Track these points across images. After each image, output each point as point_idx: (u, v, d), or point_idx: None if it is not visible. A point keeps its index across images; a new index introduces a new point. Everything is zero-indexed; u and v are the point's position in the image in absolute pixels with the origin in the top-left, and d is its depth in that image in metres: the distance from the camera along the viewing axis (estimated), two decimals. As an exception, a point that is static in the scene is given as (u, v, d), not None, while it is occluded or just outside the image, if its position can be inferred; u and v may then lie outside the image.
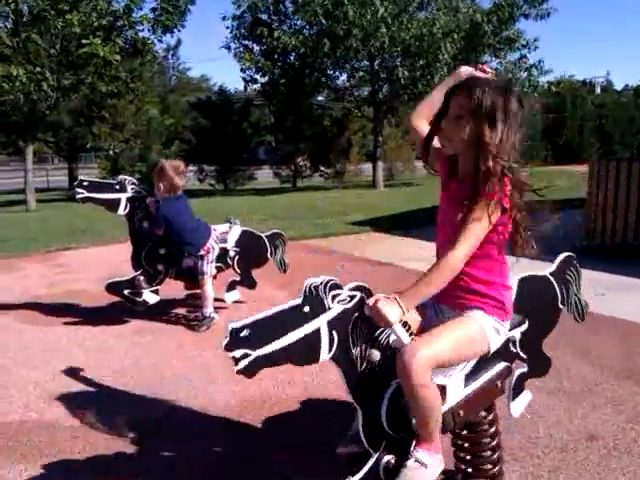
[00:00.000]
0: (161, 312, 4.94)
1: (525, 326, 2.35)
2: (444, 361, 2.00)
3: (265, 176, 27.41)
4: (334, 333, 1.91)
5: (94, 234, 9.01)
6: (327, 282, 1.91)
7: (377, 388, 2.04)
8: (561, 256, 2.62)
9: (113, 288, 4.70)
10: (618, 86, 41.50)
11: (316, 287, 1.90)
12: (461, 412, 2.13)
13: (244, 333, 1.79)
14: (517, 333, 2.33)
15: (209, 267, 4.66)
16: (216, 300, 5.08)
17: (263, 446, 2.85)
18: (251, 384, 3.54)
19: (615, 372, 3.59)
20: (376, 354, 1.99)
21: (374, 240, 8.43)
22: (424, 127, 2.22)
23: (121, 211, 4.68)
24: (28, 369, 3.87)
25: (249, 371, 1.79)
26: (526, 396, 2.49)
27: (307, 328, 1.86)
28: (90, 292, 5.70)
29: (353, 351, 1.96)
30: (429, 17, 17.80)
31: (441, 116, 2.07)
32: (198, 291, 4.89)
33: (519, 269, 2.34)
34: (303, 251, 7.34)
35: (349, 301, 1.94)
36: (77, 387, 3.56)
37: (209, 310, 4.65)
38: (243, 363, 1.78)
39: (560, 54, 74.84)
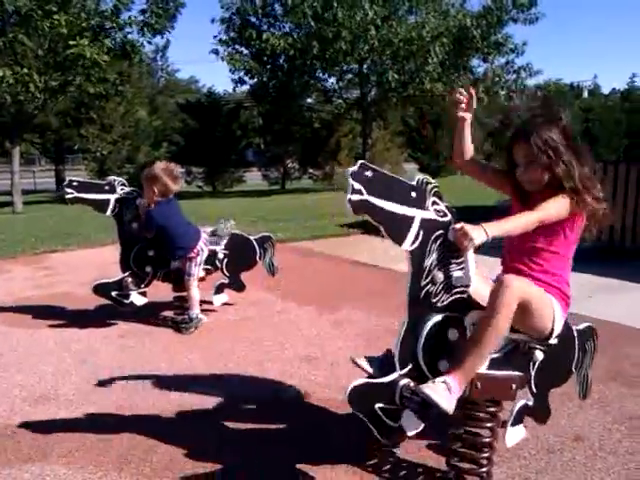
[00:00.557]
0: (149, 314, 4.91)
1: (554, 341, 2.39)
2: (528, 304, 2.17)
3: (254, 178, 27.38)
4: (421, 231, 2.08)
5: (81, 236, 8.95)
6: (434, 186, 2.12)
7: (427, 311, 2.16)
8: (585, 324, 2.69)
9: (100, 290, 4.67)
10: (605, 90, 41.89)
11: (427, 183, 2.11)
12: (479, 384, 2.23)
13: (368, 173, 1.98)
14: (539, 354, 2.40)
15: (196, 269, 4.61)
16: (204, 303, 5.07)
17: (253, 445, 2.84)
18: (239, 386, 3.53)
19: (601, 374, 3.60)
20: (440, 277, 2.14)
21: (362, 242, 8.43)
22: (468, 163, 2.58)
23: (109, 212, 4.67)
24: (13, 372, 3.83)
25: (355, 206, 1.96)
26: (522, 431, 2.53)
27: (407, 210, 2.06)
28: (77, 294, 5.66)
29: (426, 260, 2.10)
30: (418, 20, 17.88)
31: (511, 167, 2.38)
32: (186, 293, 4.87)
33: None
34: (292, 253, 7.33)
35: (442, 215, 2.13)
36: (63, 390, 3.53)
37: (196, 312, 4.61)
38: (356, 196, 1.95)
39: (548, 58, 75.43)
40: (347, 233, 9.14)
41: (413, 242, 2.07)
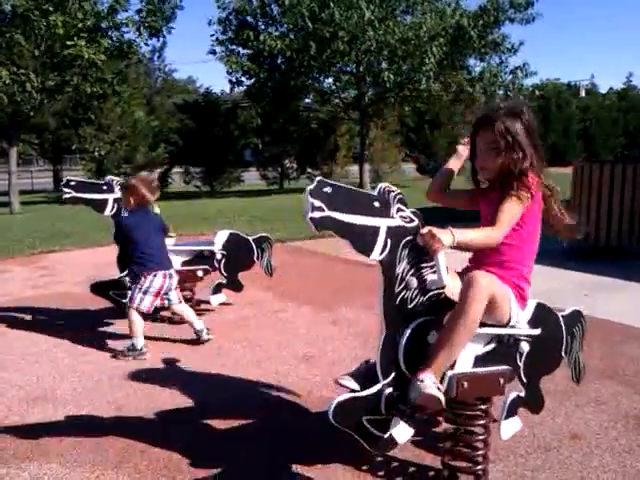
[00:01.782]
0: (146, 314, 4.90)
1: (536, 331, 2.41)
2: (496, 298, 2.21)
3: (252, 178, 27.36)
4: (389, 240, 2.06)
5: (78, 236, 8.96)
6: (397, 194, 2.10)
7: (404, 318, 2.15)
8: (571, 309, 2.70)
9: (98, 289, 4.68)
10: (602, 89, 41.94)
11: (389, 192, 2.09)
12: (465, 384, 2.23)
13: (327, 189, 1.95)
14: (525, 345, 2.41)
15: (138, 296, 4.10)
16: (202, 302, 5.08)
17: (251, 445, 2.85)
18: (237, 386, 3.54)
19: (598, 372, 3.62)
20: (414, 282, 2.13)
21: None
22: (444, 196, 2.66)
23: (108, 212, 4.68)
24: (11, 372, 3.83)
25: (317, 224, 1.93)
26: (517, 423, 2.53)
27: (371, 221, 2.03)
28: (74, 294, 5.66)
29: (397, 268, 2.09)
30: (415, 21, 17.89)
31: (474, 154, 2.44)
32: (184, 293, 4.87)
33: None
34: (290, 253, 7.34)
35: (409, 221, 2.11)
36: (60, 390, 3.53)
37: (138, 341, 4.10)
38: (317, 214, 1.91)
39: (545, 58, 75.61)
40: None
41: (382, 251, 2.05)
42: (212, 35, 19.57)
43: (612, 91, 40.55)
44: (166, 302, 4.29)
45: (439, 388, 2.13)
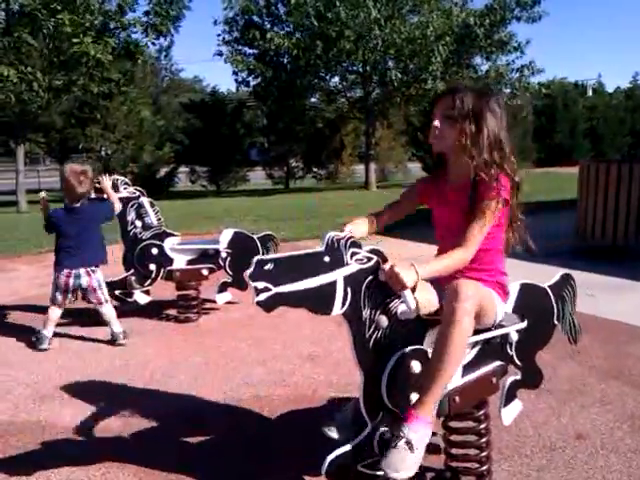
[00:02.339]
0: (152, 313, 4.94)
1: (522, 325, 2.38)
2: (483, 305, 2.11)
3: (258, 177, 27.39)
4: (349, 289, 1.97)
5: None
6: (348, 238, 1.99)
7: (381, 355, 2.07)
8: (559, 274, 2.66)
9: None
10: (610, 88, 41.74)
11: (338, 240, 1.97)
12: (457, 398, 2.18)
13: (268, 266, 1.85)
14: (514, 334, 2.37)
15: (52, 292, 4.24)
16: (208, 301, 5.10)
17: (256, 444, 2.86)
18: (242, 385, 3.55)
19: (603, 372, 3.61)
20: (384, 320, 2.05)
21: (367, 241, 8.42)
22: (390, 218, 2.47)
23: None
24: (18, 370, 3.85)
25: (267, 305, 1.86)
26: (517, 405, 2.52)
27: (325, 278, 1.93)
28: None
29: (363, 312, 2.01)
30: (422, 20, 17.87)
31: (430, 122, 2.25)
32: (190, 292, 4.90)
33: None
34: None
35: (366, 262, 2.00)
36: (67, 388, 3.55)
37: (45, 331, 4.22)
38: (263, 296, 1.83)
39: (552, 56, 75.19)
40: (350, 232, 9.12)
41: (343, 304, 1.96)
42: (219, 35, 19.63)
43: (619, 90, 40.37)
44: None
45: (428, 432, 2.02)
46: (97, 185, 4.51)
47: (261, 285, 1.82)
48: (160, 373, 3.77)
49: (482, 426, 2.37)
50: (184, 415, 3.20)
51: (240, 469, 2.66)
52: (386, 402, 2.08)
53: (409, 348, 2.10)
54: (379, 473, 2.12)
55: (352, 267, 1.97)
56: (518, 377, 2.48)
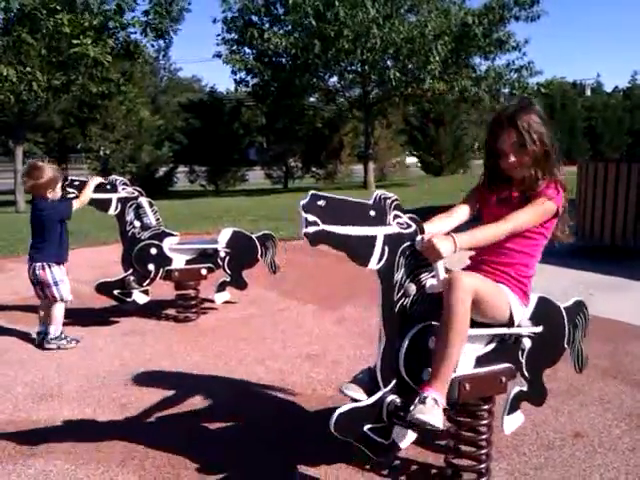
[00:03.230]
0: (151, 313, 4.94)
1: (537, 329, 2.41)
2: (482, 296, 2.17)
3: (256, 177, 27.39)
4: (386, 248, 2.03)
5: (81, 235, 8.96)
6: (394, 200, 2.06)
7: (404, 324, 2.13)
8: (573, 299, 2.69)
9: (103, 288, 4.70)
10: (608, 88, 41.77)
11: (385, 199, 2.05)
12: (467, 386, 2.22)
13: (320, 202, 1.92)
14: (527, 341, 2.40)
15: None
16: (206, 301, 5.10)
17: (255, 443, 2.86)
18: (240, 384, 3.55)
19: (602, 371, 3.62)
20: (413, 288, 2.11)
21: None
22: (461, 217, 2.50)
23: (112, 211, 4.69)
24: (16, 369, 3.85)
25: (313, 239, 1.92)
26: (519, 417, 2.54)
27: (367, 230, 2.00)
28: (79, 293, 5.66)
29: (395, 275, 2.07)
30: (420, 19, 17.87)
31: (493, 156, 2.40)
32: (188, 292, 4.90)
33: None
34: (294, 252, 7.35)
35: (406, 227, 2.08)
36: (66, 388, 3.55)
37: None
38: (312, 229, 1.90)
39: (551, 56, 75.36)
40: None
41: (379, 261, 2.03)
42: (218, 35, 19.62)
43: (617, 90, 40.41)
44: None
45: (442, 406, 2.09)
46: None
47: (311, 218, 1.89)
48: (159, 372, 3.77)
49: (485, 422, 2.39)
50: (183, 414, 3.20)
51: (239, 467, 2.66)
52: (402, 371, 2.14)
53: (431, 323, 2.16)
54: (381, 440, 2.16)
55: (393, 228, 2.05)
56: (524, 388, 2.50)
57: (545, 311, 2.48)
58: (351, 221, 1.97)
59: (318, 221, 1.90)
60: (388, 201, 2.05)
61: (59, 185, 4.32)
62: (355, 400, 2.18)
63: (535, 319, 2.42)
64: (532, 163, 2.31)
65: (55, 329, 4.26)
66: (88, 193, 4.49)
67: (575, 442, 2.80)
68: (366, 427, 2.14)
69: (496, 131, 2.37)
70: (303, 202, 1.90)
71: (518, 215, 2.27)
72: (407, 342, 2.13)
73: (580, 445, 2.77)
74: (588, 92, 38.83)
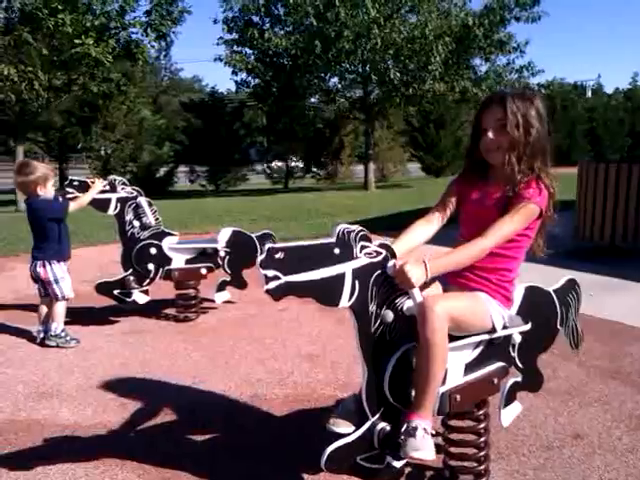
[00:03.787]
0: (151, 312, 4.94)
1: (526, 327, 2.38)
2: (458, 318, 2.11)
3: (257, 177, 27.39)
4: (357, 283, 1.98)
5: (81, 235, 8.97)
6: (359, 231, 1.99)
7: (385, 351, 2.09)
8: (564, 278, 2.67)
9: (103, 288, 4.70)
10: (609, 89, 41.74)
11: (349, 232, 1.98)
12: (458, 397, 2.19)
13: (278, 255, 1.85)
14: (517, 336, 2.38)
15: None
16: (206, 300, 5.10)
17: (254, 443, 2.86)
18: (240, 384, 3.56)
19: (601, 372, 3.63)
20: (390, 315, 2.06)
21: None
22: (437, 223, 2.40)
23: (111, 211, 4.68)
24: (17, 368, 3.86)
25: (276, 294, 1.86)
26: (517, 407, 2.53)
27: (334, 270, 1.93)
28: (79, 292, 5.64)
29: (370, 306, 2.02)
30: (421, 20, 17.87)
31: (477, 135, 2.29)
32: (188, 291, 4.90)
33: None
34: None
35: (375, 256, 2.01)
36: (66, 387, 3.56)
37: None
38: (273, 284, 1.84)
39: (551, 57, 75.26)
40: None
41: (350, 297, 1.97)
42: (220, 38, 19.61)
43: (618, 91, 40.38)
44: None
45: (431, 432, 2.07)
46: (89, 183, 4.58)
47: (271, 273, 1.83)
48: (159, 372, 3.77)
49: (481, 425, 2.38)
50: (183, 414, 3.20)
51: (239, 468, 2.66)
52: (388, 397, 2.10)
53: (413, 344, 2.12)
54: (375, 466, 2.13)
55: (361, 260, 1.98)
56: (519, 379, 2.49)
57: (534, 300, 2.44)
58: (315, 265, 1.90)
59: (279, 274, 1.84)
60: (352, 234, 1.97)
61: (50, 183, 4.31)
62: (344, 434, 2.12)
63: (524, 311, 2.39)
64: (508, 147, 2.19)
65: (56, 326, 4.27)
66: (88, 197, 4.49)
67: (575, 443, 2.80)
68: (359, 459, 2.14)
69: (484, 109, 2.27)
70: (260, 259, 1.83)
71: (500, 227, 2.15)
72: (391, 367, 2.09)
73: (579, 446, 2.77)
74: (589, 93, 38.82)
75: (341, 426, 2.14)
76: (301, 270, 1.87)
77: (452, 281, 2.31)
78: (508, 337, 2.36)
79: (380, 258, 2.02)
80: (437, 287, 2.30)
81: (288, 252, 1.86)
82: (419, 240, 2.35)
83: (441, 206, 2.42)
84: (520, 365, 2.45)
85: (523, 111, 2.19)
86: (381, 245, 2.04)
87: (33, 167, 4.25)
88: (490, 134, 2.23)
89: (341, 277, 1.94)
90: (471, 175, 2.39)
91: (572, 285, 2.67)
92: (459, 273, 2.26)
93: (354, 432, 2.10)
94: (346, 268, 1.95)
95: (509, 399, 2.47)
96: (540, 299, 2.50)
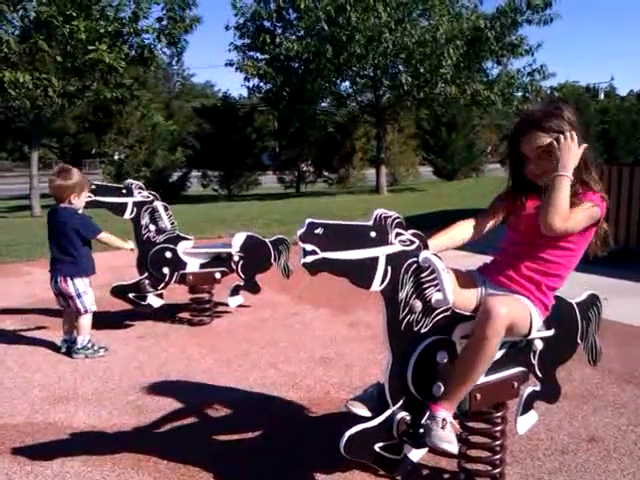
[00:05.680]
0: (166, 316, 4.98)
1: (549, 333, 2.39)
2: (515, 323, 2.14)
3: (269, 182, 27.47)
4: (389, 268, 2.00)
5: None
6: (395, 218, 2.03)
7: (411, 341, 2.11)
8: (586, 293, 2.67)
9: (118, 292, 4.74)
10: (622, 92, 41.49)
11: (385, 218, 2.02)
12: (478, 396, 2.21)
13: (318, 230, 1.89)
14: (539, 342, 2.39)
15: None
16: (220, 304, 5.13)
17: (269, 446, 2.88)
18: (254, 387, 3.57)
19: (616, 376, 3.60)
20: (418, 305, 2.08)
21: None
22: (480, 229, 2.41)
23: (127, 215, 4.74)
24: (33, 372, 3.90)
25: (312, 268, 1.88)
26: (533, 416, 2.53)
27: (368, 252, 1.97)
28: (95, 296, 5.72)
29: (400, 294, 2.04)
30: (432, 23, 17.86)
31: (519, 163, 2.29)
32: (203, 295, 4.92)
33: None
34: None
35: (409, 244, 2.04)
36: (82, 390, 3.59)
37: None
38: (310, 258, 1.87)
39: (564, 60, 74.94)
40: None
41: (382, 281, 2.00)
42: (231, 44, 19.74)
43: (632, 93, 40.11)
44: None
45: (453, 425, 2.10)
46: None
47: (309, 247, 1.86)
48: (174, 375, 3.80)
49: (498, 428, 2.38)
50: (198, 417, 3.22)
51: (253, 470, 2.68)
52: (410, 388, 2.13)
53: (438, 337, 2.14)
54: (393, 457, 2.16)
55: (395, 247, 2.02)
56: (537, 388, 2.49)
57: (558, 311, 2.45)
58: (351, 245, 1.93)
59: (317, 249, 1.87)
60: (389, 220, 2.02)
61: (85, 193, 4.27)
62: (360, 417, 2.15)
63: (548, 321, 2.40)
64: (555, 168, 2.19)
65: (82, 339, 4.21)
66: (118, 243, 4.56)
67: (590, 447, 2.79)
68: (377, 446, 2.14)
69: (521, 137, 2.25)
70: (300, 232, 1.86)
71: (575, 215, 2.16)
72: (415, 358, 2.11)
73: (595, 450, 2.76)
74: (602, 96, 38.60)
75: (357, 407, 2.19)
76: (338, 248, 1.91)
77: (495, 280, 2.32)
78: (530, 342, 2.37)
79: (414, 247, 2.06)
80: (470, 289, 2.30)
81: (327, 229, 1.90)
82: (457, 239, 2.37)
83: (488, 215, 2.44)
84: (539, 373, 2.46)
85: (559, 129, 2.18)
86: (414, 234, 2.08)
87: (73, 173, 4.20)
88: (535, 164, 2.25)
89: (375, 261, 1.98)
90: (519, 190, 2.38)
91: (593, 300, 2.68)
92: (504, 272, 2.28)
93: (374, 418, 2.12)
94: (380, 252, 1.99)
95: (526, 407, 2.48)
96: (563, 309, 2.50)
